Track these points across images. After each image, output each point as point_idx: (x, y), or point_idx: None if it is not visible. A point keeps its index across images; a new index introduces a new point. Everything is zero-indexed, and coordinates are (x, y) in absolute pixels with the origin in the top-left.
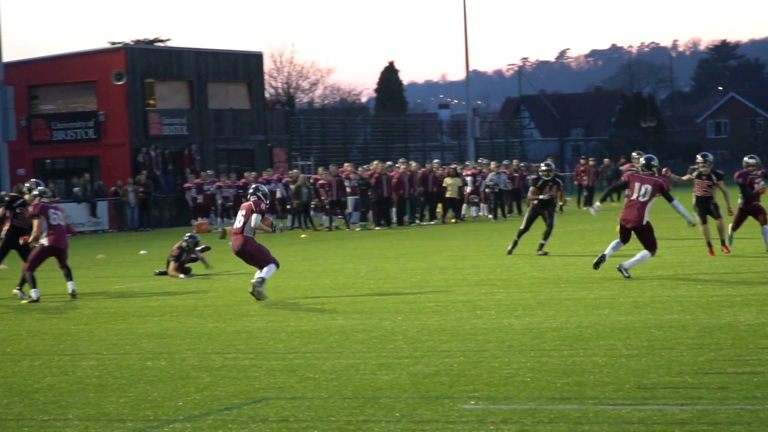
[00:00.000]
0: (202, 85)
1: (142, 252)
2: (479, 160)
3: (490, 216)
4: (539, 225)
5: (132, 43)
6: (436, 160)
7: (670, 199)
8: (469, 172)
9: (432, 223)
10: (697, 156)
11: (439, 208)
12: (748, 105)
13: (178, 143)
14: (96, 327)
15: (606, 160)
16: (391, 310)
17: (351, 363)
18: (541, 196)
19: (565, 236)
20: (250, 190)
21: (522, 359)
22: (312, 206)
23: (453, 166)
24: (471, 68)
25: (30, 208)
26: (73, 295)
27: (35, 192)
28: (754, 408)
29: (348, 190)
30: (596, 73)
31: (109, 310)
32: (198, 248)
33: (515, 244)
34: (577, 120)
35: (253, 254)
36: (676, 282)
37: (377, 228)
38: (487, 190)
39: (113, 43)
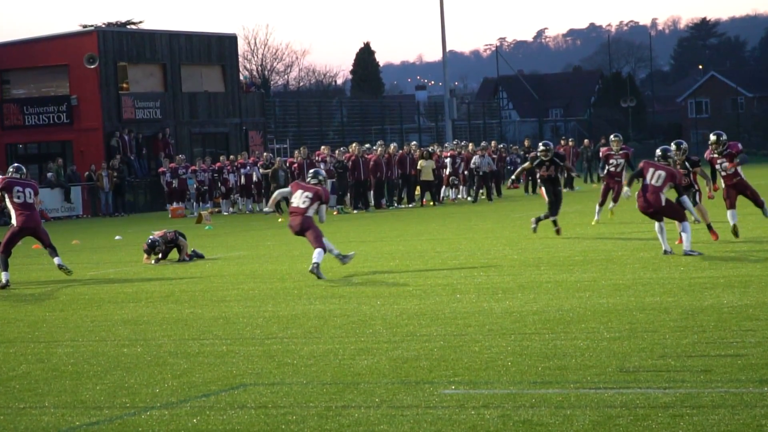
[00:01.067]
0: (176, 68)
1: (117, 237)
2: (455, 142)
3: (469, 198)
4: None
5: (104, 25)
6: (413, 143)
7: (680, 193)
8: (447, 154)
9: (410, 206)
10: (671, 145)
11: (418, 191)
12: (729, 84)
13: (152, 127)
14: (71, 313)
15: (586, 141)
16: (369, 295)
17: (329, 348)
18: (539, 174)
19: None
20: (311, 174)
21: (503, 343)
22: None
23: (425, 148)
24: (448, 49)
25: None
26: (61, 267)
27: (10, 170)
28: (738, 391)
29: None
30: (575, 52)
31: (84, 296)
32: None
33: (539, 221)
34: (556, 100)
35: (310, 234)
36: (657, 263)
37: (355, 211)
38: (466, 172)
39: (85, 26)
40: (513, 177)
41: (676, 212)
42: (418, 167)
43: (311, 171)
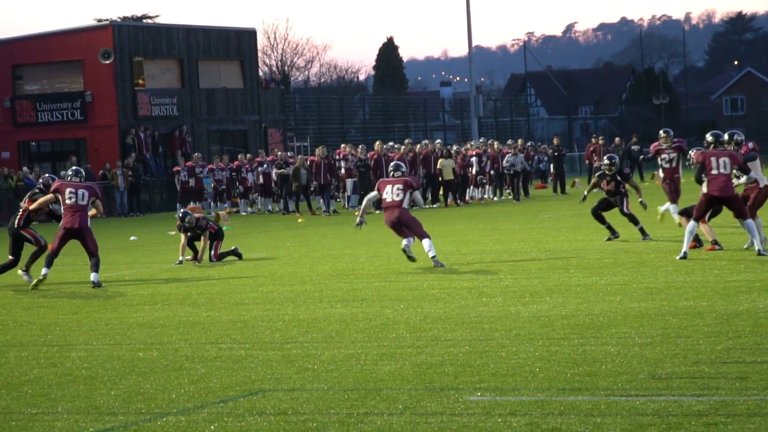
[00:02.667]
0: (193, 64)
1: (132, 238)
2: (482, 140)
3: (495, 198)
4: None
5: (119, 20)
6: (438, 141)
7: (746, 171)
8: (473, 153)
9: (434, 206)
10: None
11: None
12: (766, 80)
13: (169, 124)
14: (85, 316)
15: (617, 139)
16: (392, 298)
17: (351, 353)
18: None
19: (574, 220)
20: (393, 167)
21: (530, 348)
22: (312, 189)
23: (444, 147)
24: (474, 44)
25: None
26: (96, 286)
27: (69, 173)
28: None
29: (342, 171)
30: (605, 47)
31: (98, 298)
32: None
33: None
34: (586, 97)
35: (411, 225)
36: (691, 266)
37: (377, 212)
38: (492, 171)
39: (100, 21)
40: (585, 193)
41: (741, 209)
42: (438, 167)
43: (392, 164)
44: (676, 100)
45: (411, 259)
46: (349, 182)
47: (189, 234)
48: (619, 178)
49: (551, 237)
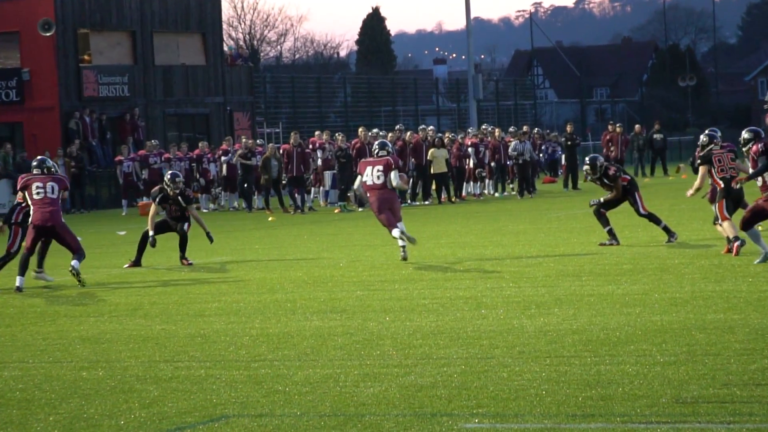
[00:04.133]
0: (147, 37)
1: (120, 233)
2: (484, 127)
3: (497, 194)
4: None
5: None
6: (430, 127)
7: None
8: (470, 141)
9: (426, 203)
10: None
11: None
12: None
13: (119, 107)
14: (19, 330)
15: (637, 127)
16: (377, 309)
17: (329, 373)
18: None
19: (587, 219)
20: (378, 145)
21: (536, 368)
22: (282, 182)
23: (437, 135)
24: (473, 15)
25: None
26: (74, 272)
27: (33, 163)
28: None
29: (319, 163)
30: (624, 20)
31: (35, 309)
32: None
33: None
34: (602, 78)
35: (396, 207)
36: (721, 273)
37: (360, 209)
38: (493, 163)
39: None
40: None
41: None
42: (429, 157)
43: (378, 143)
44: (705, 82)
45: (411, 240)
46: (327, 175)
47: (170, 205)
48: (606, 181)
49: (561, 239)
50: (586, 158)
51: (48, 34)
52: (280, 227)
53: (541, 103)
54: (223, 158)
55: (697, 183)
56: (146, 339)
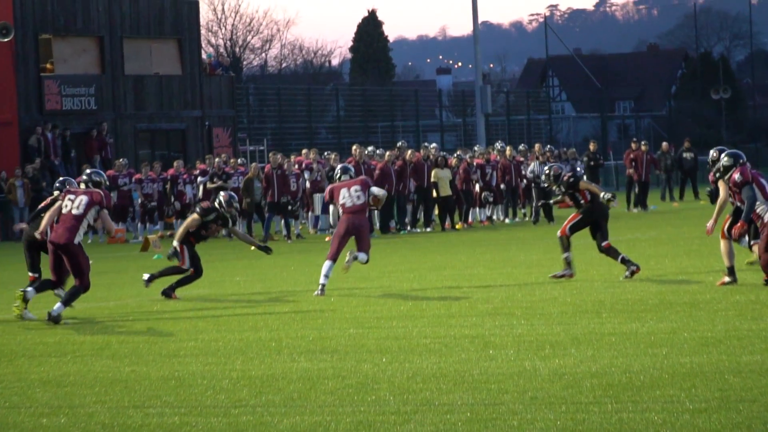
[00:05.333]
0: (117, 43)
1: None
2: (498, 145)
3: (507, 220)
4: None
5: None
6: (433, 145)
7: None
8: (478, 162)
9: (427, 230)
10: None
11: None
12: None
13: (84, 121)
14: None
15: (664, 145)
16: (372, 349)
17: (318, 420)
18: None
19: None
20: (340, 169)
21: (550, 416)
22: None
23: (441, 154)
24: (480, 19)
25: None
26: (50, 316)
27: (83, 177)
28: None
29: (307, 185)
30: (650, 25)
31: None
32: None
33: None
34: (625, 90)
35: (364, 235)
36: (759, 310)
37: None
38: (503, 185)
39: None
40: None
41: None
42: (432, 179)
43: (341, 167)
44: (741, 95)
45: (347, 268)
46: (316, 198)
47: (215, 224)
48: (563, 189)
49: (579, 271)
50: (545, 168)
51: (5, 40)
52: (264, 257)
53: (556, 118)
54: (200, 179)
55: (719, 201)
56: (114, 382)
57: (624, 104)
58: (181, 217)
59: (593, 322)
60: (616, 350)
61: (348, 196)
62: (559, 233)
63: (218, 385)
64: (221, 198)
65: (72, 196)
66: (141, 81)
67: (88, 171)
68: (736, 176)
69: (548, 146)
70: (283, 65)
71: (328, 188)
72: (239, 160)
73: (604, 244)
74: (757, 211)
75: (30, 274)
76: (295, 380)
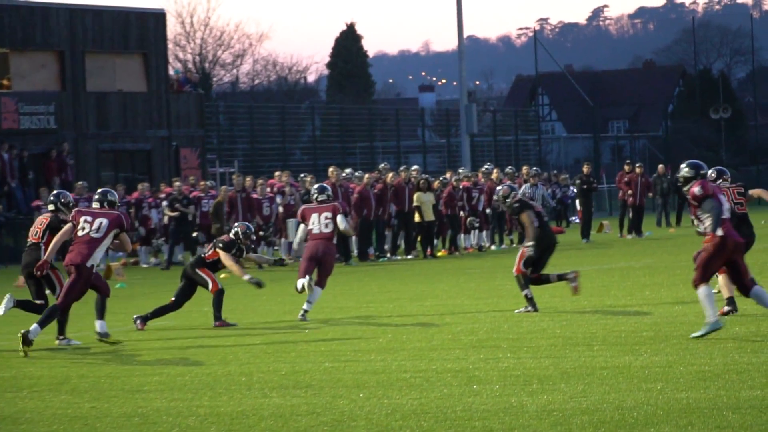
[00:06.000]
0: (78, 58)
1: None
2: (485, 168)
3: (494, 246)
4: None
5: None
6: (414, 167)
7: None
8: (465, 185)
9: (409, 257)
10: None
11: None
12: None
13: (43, 141)
14: None
15: (660, 167)
16: (348, 384)
17: None
18: None
19: (600, 277)
20: (316, 189)
21: None
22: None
23: (424, 176)
24: (466, 33)
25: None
26: (100, 336)
27: (96, 196)
28: None
29: (280, 210)
30: (645, 41)
31: None
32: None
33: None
34: (619, 109)
35: (327, 267)
36: (759, 343)
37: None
38: (489, 210)
39: None
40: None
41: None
42: (414, 203)
43: (317, 187)
44: (742, 114)
45: (300, 290)
46: (290, 224)
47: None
48: (511, 213)
49: (568, 300)
50: (498, 188)
51: None
52: (234, 285)
53: (546, 139)
54: (165, 203)
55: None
56: (73, 419)
57: (618, 124)
58: (146, 244)
59: (584, 356)
60: (608, 385)
61: (317, 223)
62: (514, 272)
63: (184, 423)
64: (239, 230)
65: (89, 218)
66: (104, 98)
67: (101, 190)
68: (696, 189)
69: (534, 168)
70: (256, 82)
71: (301, 208)
72: (209, 183)
73: (534, 274)
74: (701, 229)
75: (37, 302)
76: (266, 417)
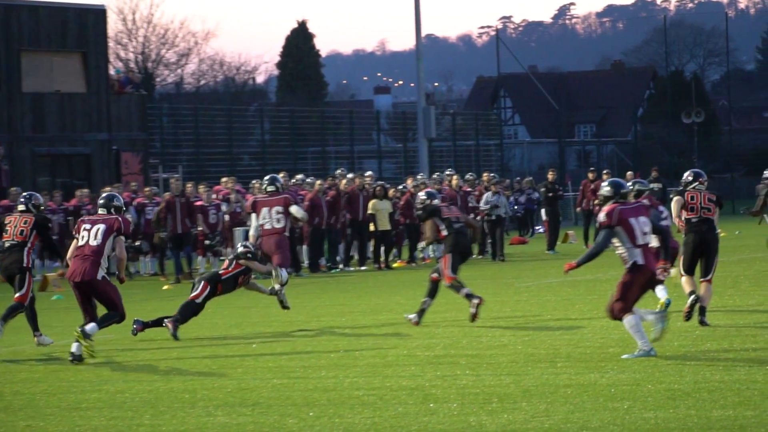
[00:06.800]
0: (13, 57)
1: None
2: (448, 173)
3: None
4: None
5: None
6: (368, 173)
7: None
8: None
9: (362, 268)
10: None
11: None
12: None
13: None
14: None
15: (629, 174)
16: (298, 402)
17: None
18: None
19: (565, 290)
20: (267, 180)
21: None
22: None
23: (380, 183)
24: (424, 32)
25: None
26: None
27: (100, 201)
28: None
29: (226, 219)
30: (614, 40)
31: None
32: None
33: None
34: (586, 112)
35: (283, 248)
36: (731, 359)
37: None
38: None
39: None
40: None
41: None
42: (369, 210)
43: (268, 177)
44: (716, 119)
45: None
46: (237, 233)
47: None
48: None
49: (532, 314)
50: (419, 194)
51: None
52: (177, 298)
53: (509, 144)
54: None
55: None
56: None
57: (585, 128)
58: None
59: (547, 373)
60: (573, 404)
61: (268, 218)
62: (446, 283)
63: None
64: (247, 246)
65: (88, 225)
66: (41, 99)
67: (105, 195)
68: (601, 216)
69: (492, 174)
70: (201, 83)
71: (251, 199)
72: (152, 189)
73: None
74: (619, 253)
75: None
76: None
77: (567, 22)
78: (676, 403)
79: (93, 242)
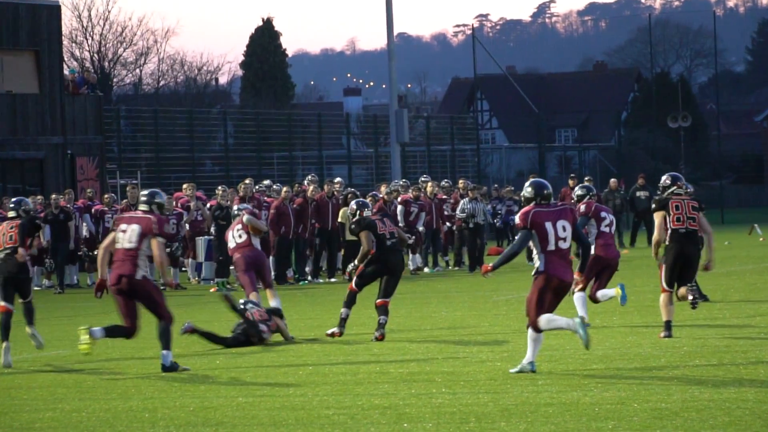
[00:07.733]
0: None
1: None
2: (422, 179)
3: (427, 269)
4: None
5: None
6: (337, 179)
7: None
8: (404, 197)
9: (332, 280)
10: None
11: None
12: None
13: None
14: None
15: (612, 181)
16: (264, 422)
17: None
18: None
19: None
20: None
21: None
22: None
23: (351, 190)
24: (396, 31)
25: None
26: (165, 368)
27: (142, 198)
28: None
29: (187, 228)
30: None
31: None
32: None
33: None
34: (567, 116)
35: (265, 267)
36: (721, 377)
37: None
38: (422, 228)
39: None
40: None
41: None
42: (339, 219)
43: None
44: (703, 123)
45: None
46: (199, 242)
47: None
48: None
49: (510, 329)
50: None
51: None
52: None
53: (486, 149)
54: (62, 217)
55: (654, 236)
56: None
57: (566, 133)
58: (38, 264)
59: (527, 391)
60: (554, 424)
61: (232, 238)
62: (377, 302)
63: None
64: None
65: (124, 225)
66: None
67: (148, 191)
68: (516, 218)
69: (467, 182)
70: (161, 83)
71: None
72: (110, 196)
73: (379, 300)
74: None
75: (2, 303)
76: None
77: (547, 20)
78: (663, 423)
79: (128, 245)
